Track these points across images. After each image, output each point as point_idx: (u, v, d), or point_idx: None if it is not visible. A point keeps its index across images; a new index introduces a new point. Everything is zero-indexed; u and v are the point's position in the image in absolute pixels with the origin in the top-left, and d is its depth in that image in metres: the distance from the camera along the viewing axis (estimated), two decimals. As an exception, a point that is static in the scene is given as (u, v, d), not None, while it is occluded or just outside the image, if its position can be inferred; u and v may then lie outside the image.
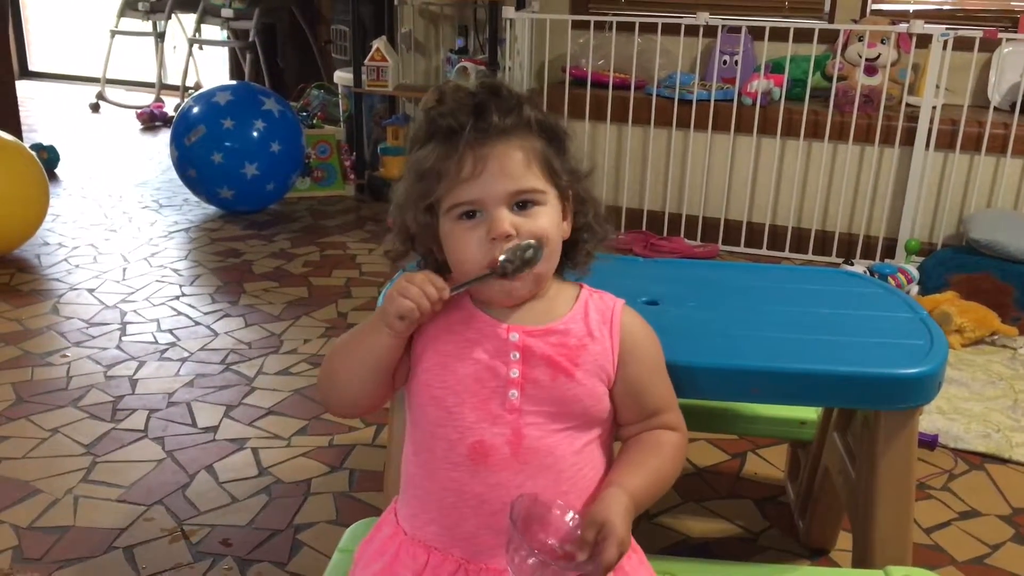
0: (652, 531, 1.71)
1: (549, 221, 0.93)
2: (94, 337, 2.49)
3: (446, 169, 0.91)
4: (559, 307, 0.98)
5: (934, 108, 3.09)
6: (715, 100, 3.34)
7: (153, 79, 5.89)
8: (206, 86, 3.97)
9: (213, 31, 5.57)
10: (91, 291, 2.83)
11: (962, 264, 2.84)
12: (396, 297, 0.90)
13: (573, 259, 1.01)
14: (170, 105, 5.55)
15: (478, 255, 0.92)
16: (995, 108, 3.13)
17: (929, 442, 2.00)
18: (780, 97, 3.31)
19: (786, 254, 3.38)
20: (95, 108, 5.82)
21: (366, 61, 3.76)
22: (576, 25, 3.56)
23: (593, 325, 0.97)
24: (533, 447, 0.93)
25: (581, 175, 0.99)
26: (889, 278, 2.84)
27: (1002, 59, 3.22)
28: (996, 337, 2.58)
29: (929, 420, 2.10)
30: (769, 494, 1.85)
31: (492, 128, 0.91)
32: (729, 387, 1.17)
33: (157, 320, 2.62)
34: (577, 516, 0.90)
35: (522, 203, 0.92)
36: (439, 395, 0.95)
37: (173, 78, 5.95)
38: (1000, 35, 3.07)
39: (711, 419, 1.62)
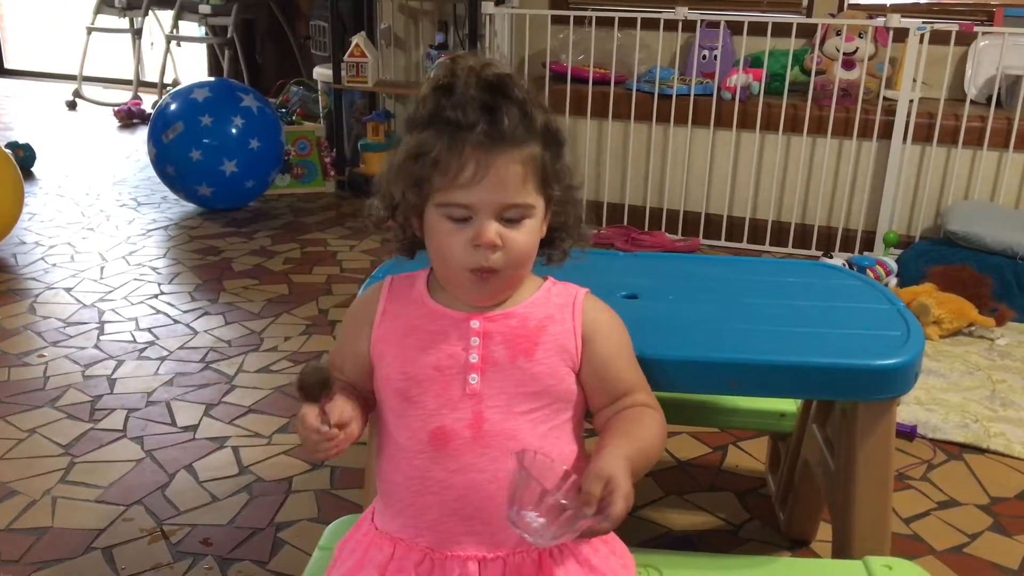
0: (634, 524, 1.71)
1: (532, 234, 0.94)
2: (71, 336, 2.47)
3: (446, 166, 0.90)
4: (521, 295, 0.99)
5: (911, 102, 3.11)
6: (695, 95, 3.34)
7: (130, 76, 5.84)
8: (184, 83, 3.94)
9: (191, 27, 5.53)
10: (68, 290, 2.80)
11: (940, 256, 2.86)
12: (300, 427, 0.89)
13: (548, 255, 1.02)
14: (148, 102, 5.51)
15: (462, 258, 0.92)
16: (971, 101, 3.15)
17: (908, 433, 2.02)
18: (759, 91, 3.32)
19: (766, 247, 3.39)
20: (72, 106, 5.77)
21: (345, 57, 3.74)
22: (556, 20, 3.56)
23: (554, 308, 0.99)
24: (494, 431, 0.94)
25: (570, 183, 0.98)
26: (868, 270, 2.86)
27: (978, 53, 3.25)
28: (974, 328, 2.61)
29: (908, 411, 2.12)
30: (750, 486, 1.85)
31: (501, 135, 0.90)
32: (709, 380, 1.18)
33: (135, 319, 2.60)
34: (575, 475, 0.89)
35: (511, 216, 0.92)
36: (401, 387, 0.96)
37: (151, 75, 5.90)
38: (976, 29, 3.09)
39: (692, 412, 1.62)
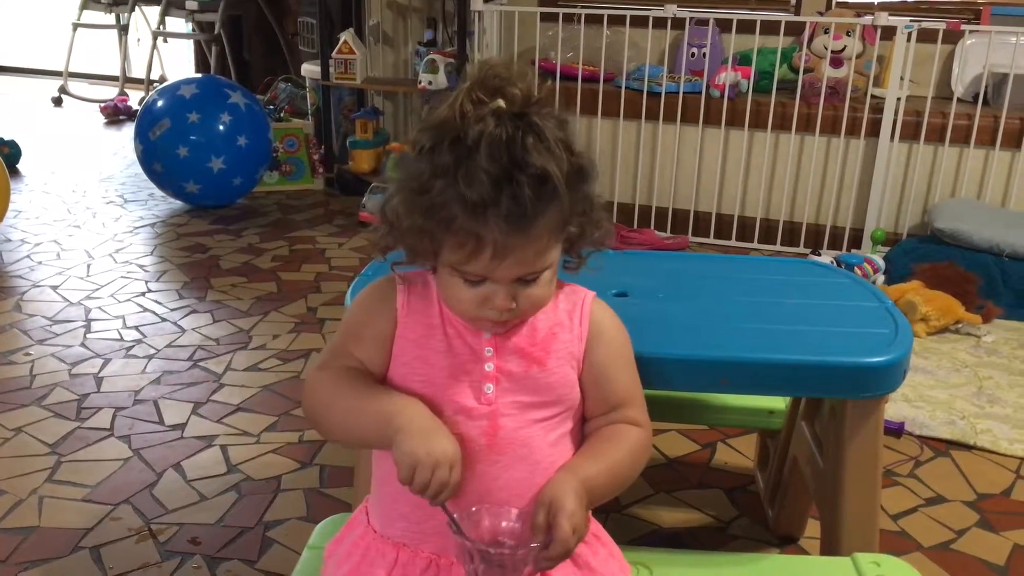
0: (624, 522, 1.72)
1: (549, 284, 0.92)
2: (58, 335, 2.45)
3: (462, 243, 0.85)
4: None
5: (899, 99, 3.13)
6: (683, 92, 3.35)
7: (117, 72, 5.81)
8: (171, 79, 3.92)
9: (178, 23, 5.50)
10: (55, 288, 2.79)
11: (927, 253, 2.88)
12: (429, 467, 0.86)
13: (563, 263, 0.99)
14: (134, 99, 5.47)
15: (476, 311, 0.91)
16: (958, 99, 3.17)
17: (895, 429, 2.03)
18: (748, 89, 3.33)
19: (755, 245, 3.40)
20: (58, 102, 5.73)
21: (333, 54, 3.72)
22: (545, 17, 3.56)
23: (562, 315, 0.98)
24: (508, 438, 0.94)
25: (591, 212, 0.93)
26: (855, 268, 2.87)
27: (965, 51, 3.26)
28: (960, 325, 2.62)
29: (895, 408, 2.13)
30: (739, 483, 1.86)
31: (523, 215, 0.83)
32: (698, 378, 1.18)
33: (123, 317, 2.58)
34: (518, 511, 0.90)
35: (528, 279, 0.89)
36: (417, 390, 0.94)
37: (137, 71, 5.86)
38: (963, 27, 3.11)
39: (681, 410, 1.62)
